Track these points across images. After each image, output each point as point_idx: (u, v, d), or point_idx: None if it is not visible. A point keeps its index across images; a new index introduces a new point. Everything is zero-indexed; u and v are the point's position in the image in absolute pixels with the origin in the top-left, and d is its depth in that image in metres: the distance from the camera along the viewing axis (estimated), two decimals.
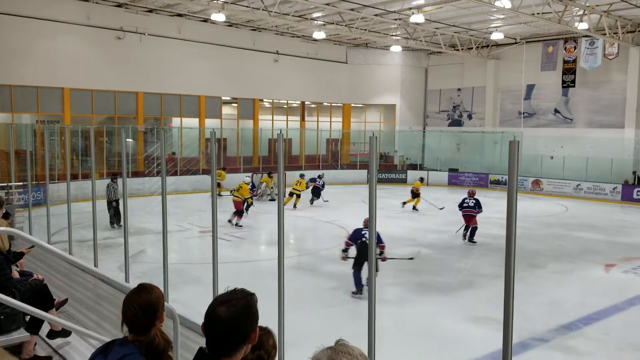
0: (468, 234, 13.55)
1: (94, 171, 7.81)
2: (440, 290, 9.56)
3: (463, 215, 13.71)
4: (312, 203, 19.80)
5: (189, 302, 7.12)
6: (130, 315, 2.42)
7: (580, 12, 20.39)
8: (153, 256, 10.88)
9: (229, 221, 15.41)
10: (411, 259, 11.06)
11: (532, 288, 9.83)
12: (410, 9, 21.03)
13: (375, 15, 22.18)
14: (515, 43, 27.12)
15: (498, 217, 17.56)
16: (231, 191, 15.97)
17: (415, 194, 19.04)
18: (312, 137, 30.11)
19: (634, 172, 23.55)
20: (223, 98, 26.70)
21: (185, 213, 16.11)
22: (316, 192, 19.94)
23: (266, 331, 2.65)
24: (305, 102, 30.23)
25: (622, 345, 7.07)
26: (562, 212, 19.79)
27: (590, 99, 25.55)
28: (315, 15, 22.90)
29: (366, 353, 3.21)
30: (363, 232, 9.43)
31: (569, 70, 25.65)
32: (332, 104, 31.08)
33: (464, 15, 22.30)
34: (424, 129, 32.18)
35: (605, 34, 22.00)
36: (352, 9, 21.37)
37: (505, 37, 25.63)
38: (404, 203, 19.34)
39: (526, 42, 26.82)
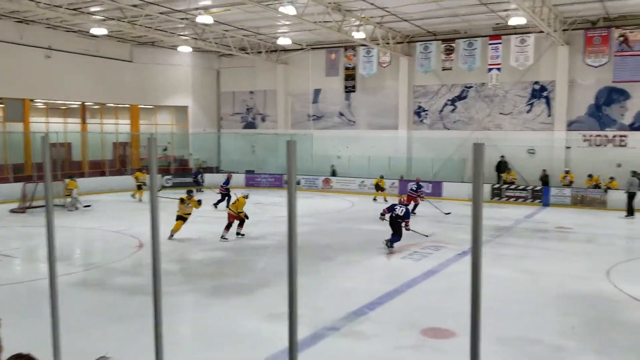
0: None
1: None
2: (239, 291, 9.48)
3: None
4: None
5: None
6: None
7: (357, 23, 22.12)
8: None
9: (238, 233, 14.23)
10: (427, 236, 13.93)
11: (324, 280, 10.29)
12: (197, 9, 20.69)
13: (161, 13, 21.34)
14: (302, 49, 28.44)
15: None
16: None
17: (380, 188, 23.03)
18: (97, 141, 27.93)
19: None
20: None
21: None
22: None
23: (27, 358, 2.51)
24: (87, 103, 27.91)
25: (403, 326, 7.70)
26: (349, 207, 21.23)
27: (369, 103, 27.92)
28: (93, 9, 21.24)
29: None
30: (395, 207, 12.92)
31: (350, 77, 27.73)
32: (118, 105, 29.21)
33: (252, 19, 22.67)
34: (219, 131, 32.05)
35: (379, 44, 24.21)
36: (134, 5, 20.25)
37: (292, 42, 26.69)
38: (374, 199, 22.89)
39: (311, 48, 28.29)
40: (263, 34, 26.17)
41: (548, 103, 23.91)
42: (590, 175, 22.01)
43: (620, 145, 22.62)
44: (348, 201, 22.78)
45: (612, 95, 22.70)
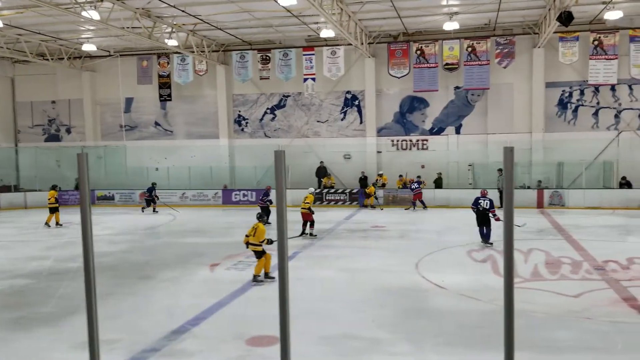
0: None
1: None
2: (45, 321, 8.45)
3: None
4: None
5: None
6: None
7: (169, 30, 21.41)
8: None
9: (310, 234, 15.48)
10: (519, 226, 13.36)
11: (143, 300, 9.64)
12: None
13: None
14: (110, 56, 26.75)
15: (105, 233, 16.98)
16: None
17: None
18: None
19: None
20: None
21: None
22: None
23: None
24: None
25: (228, 338, 7.46)
26: (170, 220, 20.38)
27: (187, 112, 27.21)
28: None
29: None
30: (480, 201, 13.53)
31: (165, 85, 26.74)
32: None
33: (50, 23, 20.72)
34: (16, 145, 28.73)
35: (194, 52, 23.69)
36: None
37: (98, 49, 24.96)
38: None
39: (120, 55, 26.74)
40: (64, 39, 24.12)
41: (359, 111, 25.48)
42: (400, 176, 23.89)
43: (423, 149, 24.93)
44: (169, 214, 21.88)
45: (414, 104, 24.95)
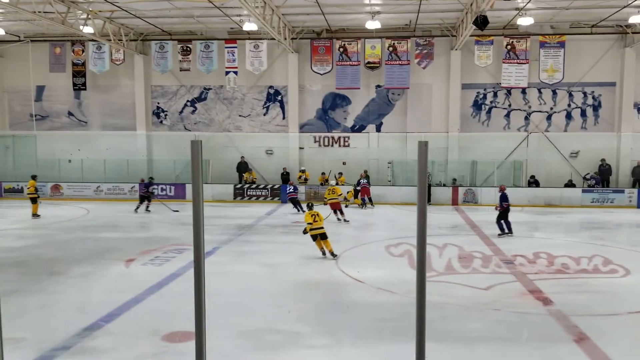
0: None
1: None
2: None
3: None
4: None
5: None
6: None
7: (84, 16, 20.43)
8: None
9: (345, 220, 17.33)
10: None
11: (53, 296, 9.18)
12: None
13: None
14: (20, 41, 25.17)
15: (13, 227, 16.02)
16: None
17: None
18: None
19: None
20: None
21: None
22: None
23: None
24: None
25: (143, 334, 7.24)
26: (83, 215, 19.51)
27: (102, 102, 26.08)
28: None
29: None
30: (508, 196, 14.87)
31: (79, 73, 25.46)
32: None
33: None
34: None
35: (111, 40, 22.73)
36: None
37: (7, 33, 23.41)
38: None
39: (31, 40, 25.21)
40: None
41: (282, 106, 25.43)
42: (323, 173, 24.09)
43: (345, 146, 25.25)
44: (82, 208, 20.93)
45: (336, 101, 25.20)
